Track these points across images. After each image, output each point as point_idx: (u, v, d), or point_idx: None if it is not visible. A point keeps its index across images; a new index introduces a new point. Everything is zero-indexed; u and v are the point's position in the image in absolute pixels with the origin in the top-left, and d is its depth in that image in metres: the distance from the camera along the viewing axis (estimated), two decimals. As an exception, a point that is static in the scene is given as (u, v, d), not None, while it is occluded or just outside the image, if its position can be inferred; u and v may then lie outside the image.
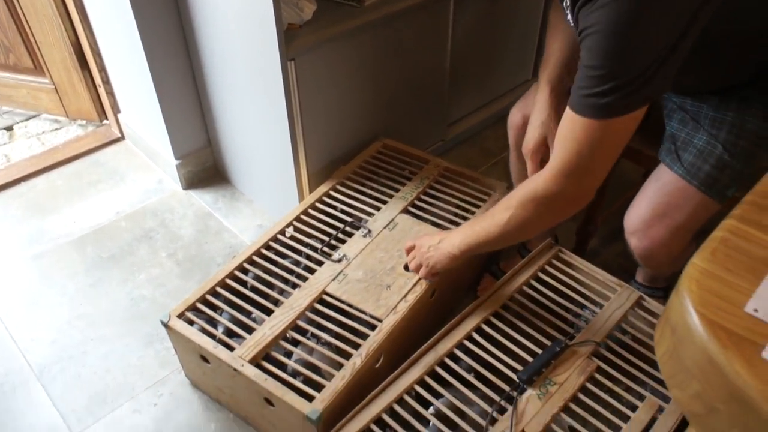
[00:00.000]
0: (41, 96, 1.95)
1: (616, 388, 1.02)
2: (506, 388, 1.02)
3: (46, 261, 1.56)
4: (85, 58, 1.79)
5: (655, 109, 1.07)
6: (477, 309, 1.15)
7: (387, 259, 1.24)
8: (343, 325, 1.14)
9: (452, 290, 1.37)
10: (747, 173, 0.98)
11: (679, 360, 0.43)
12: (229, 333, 1.15)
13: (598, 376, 1.04)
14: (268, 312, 1.16)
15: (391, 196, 1.39)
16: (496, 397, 1.01)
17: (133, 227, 1.65)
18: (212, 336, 1.13)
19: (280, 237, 1.32)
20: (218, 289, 1.21)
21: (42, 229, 1.64)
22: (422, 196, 1.39)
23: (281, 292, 1.22)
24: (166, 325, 1.15)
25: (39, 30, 1.75)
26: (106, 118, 1.97)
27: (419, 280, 1.20)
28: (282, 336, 1.12)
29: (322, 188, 1.42)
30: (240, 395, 1.15)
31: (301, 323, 1.14)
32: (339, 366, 1.07)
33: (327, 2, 1.35)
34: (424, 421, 1.01)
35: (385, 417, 1.01)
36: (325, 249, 1.28)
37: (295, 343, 1.13)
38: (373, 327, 1.13)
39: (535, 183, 0.94)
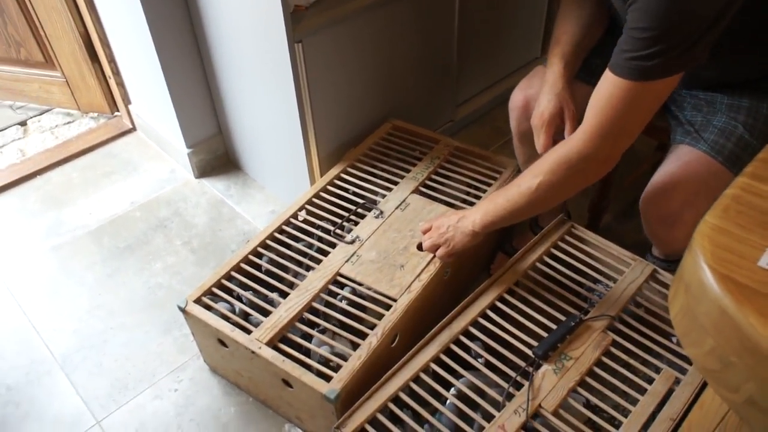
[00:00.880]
0: (53, 90, 1.96)
1: (632, 361, 1.02)
2: (522, 363, 1.03)
3: (65, 252, 1.58)
4: (94, 50, 1.80)
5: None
6: (491, 287, 1.15)
7: (400, 239, 1.25)
8: (358, 305, 1.15)
9: (466, 269, 1.37)
10: None
11: (694, 317, 0.43)
12: (246, 316, 1.16)
13: (613, 349, 1.04)
14: (284, 295, 1.17)
15: (402, 177, 1.39)
16: (512, 373, 1.02)
17: (147, 217, 1.66)
18: (229, 320, 1.14)
19: (292, 221, 1.33)
20: (233, 273, 1.22)
21: (59, 221, 1.67)
22: (433, 176, 1.39)
23: (296, 275, 1.23)
24: (183, 311, 1.16)
25: (48, 23, 1.77)
26: (118, 110, 1.98)
27: (433, 259, 1.20)
28: (298, 318, 1.13)
29: (333, 171, 1.42)
30: (258, 378, 1.16)
31: (316, 305, 1.15)
32: (355, 346, 1.08)
33: (332, -16, 1.35)
34: (442, 399, 1.01)
35: (402, 395, 1.02)
36: (338, 231, 1.29)
37: (312, 324, 1.14)
38: (388, 307, 1.14)
39: (567, 146, 0.96)
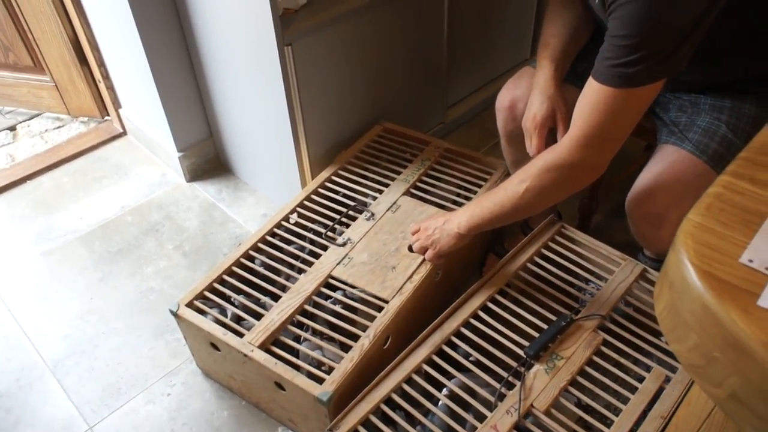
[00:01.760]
0: (42, 94, 1.96)
1: (623, 360, 1.03)
2: (514, 364, 1.03)
3: (55, 257, 1.57)
4: (83, 54, 1.80)
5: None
6: (482, 287, 1.15)
7: (391, 241, 1.25)
8: (350, 307, 1.15)
9: (458, 270, 1.37)
10: None
11: (678, 314, 0.43)
12: (238, 320, 1.16)
13: (604, 349, 1.05)
14: (276, 298, 1.17)
15: (393, 179, 1.40)
16: (504, 374, 1.02)
17: (139, 221, 1.66)
18: (221, 323, 1.14)
19: (284, 223, 1.33)
20: (225, 277, 1.22)
21: (50, 226, 1.66)
22: (424, 178, 1.40)
23: (288, 277, 1.23)
24: (175, 315, 1.16)
25: (37, 27, 1.76)
26: (108, 114, 1.98)
27: (423, 261, 1.20)
28: (290, 321, 1.14)
29: (324, 174, 1.42)
30: (251, 381, 1.16)
31: (308, 307, 1.15)
32: (348, 348, 1.08)
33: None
34: (434, 400, 1.02)
35: (395, 397, 1.02)
36: (330, 233, 1.29)
37: (304, 327, 1.14)
38: (379, 309, 1.14)
39: (554, 153, 0.96)
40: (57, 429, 1.23)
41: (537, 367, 1.02)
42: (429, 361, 1.06)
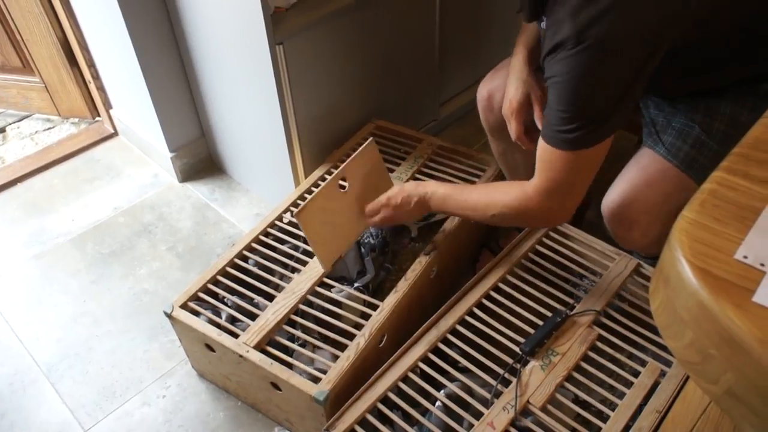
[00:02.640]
0: (32, 95, 1.94)
1: (618, 355, 1.03)
2: (509, 360, 1.03)
3: (47, 260, 1.56)
4: (73, 54, 1.78)
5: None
6: (477, 284, 1.16)
7: (385, 239, 1.25)
8: (345, 306, 1.15)
9: (452, 268, 1.37)
10: (724, 154, 0.99)
11: (673, 310, 0.43)
12: (233, 320, 1.15)
13: (599, 344, 1.05)
14: (270, 298, 1.17)
15: (386, 177, 1.39)
16: (500, 370, 1.02)
17: (131, 222, 1.65)
18: (216, 324, 1.13)
19: (278, 223, 1.32)
20: (219, 277, 1.22)
21: (41, 228, 1.65)
22: (417, 175, 1.39)
23: (282, 277, 1.23)
24: (169, 316, 1.16)
25: (25, 27, 1.75)
26: (99, 115, 1.96)
27: (419, 258, 1.20)
28: (285, 320, 1.13)
29: (318, 172, 1.42)
30: (246, 382, 1.16)
31: (303, 307, 1.15)
32: (343, 347, 1.08)
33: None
34: (431, 398, 1.02)
35: (391, 395, 1.02)
36: (324, 233, 1.28)
37: (299, 326, 1.14)
38: (375, 307, 1.14)
39: (521, 194, 0.99)
40: (52, 433, 1.22)
41: (533, 364, 1.02)
42: (425, 359, 1.06)
